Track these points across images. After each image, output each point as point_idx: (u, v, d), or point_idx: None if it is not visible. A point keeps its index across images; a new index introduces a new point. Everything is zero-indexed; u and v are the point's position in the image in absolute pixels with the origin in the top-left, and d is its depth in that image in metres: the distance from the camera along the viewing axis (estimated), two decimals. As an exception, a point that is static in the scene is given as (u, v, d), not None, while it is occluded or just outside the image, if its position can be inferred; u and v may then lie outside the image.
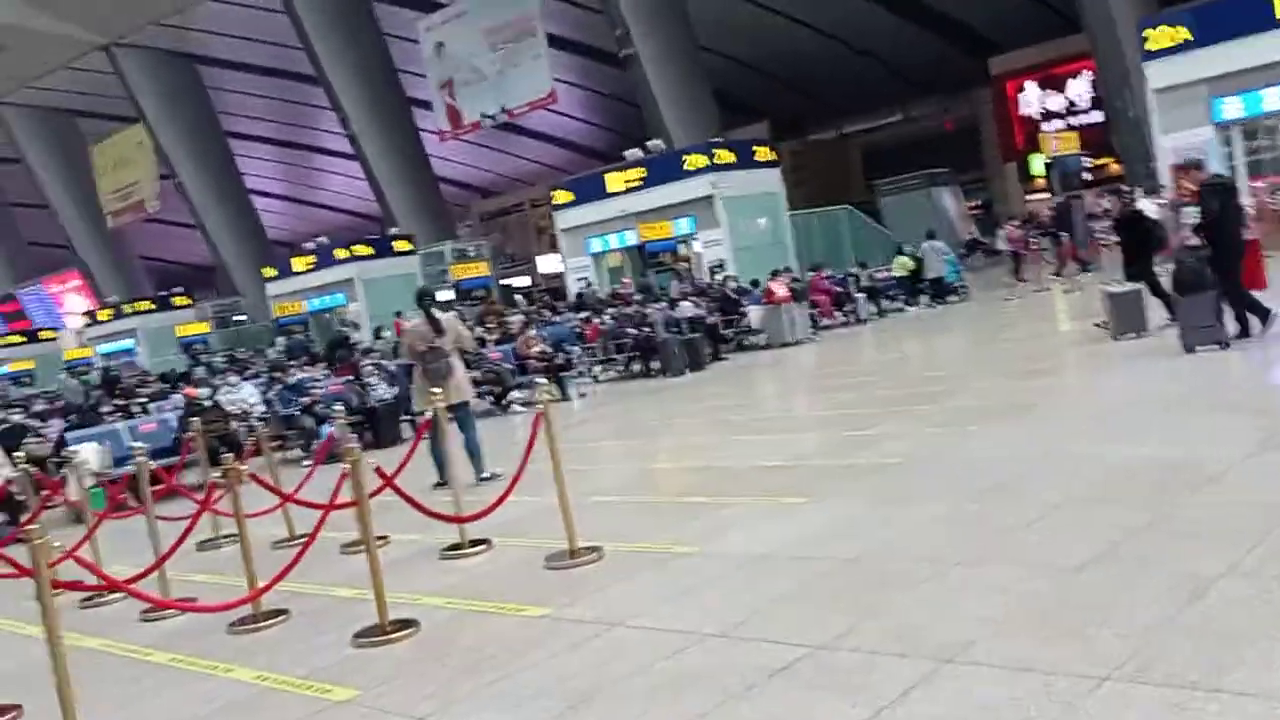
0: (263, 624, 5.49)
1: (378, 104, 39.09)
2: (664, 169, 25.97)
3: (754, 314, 17.91)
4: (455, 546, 6.42)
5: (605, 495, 7.58)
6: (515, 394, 14.17)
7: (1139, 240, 11.50)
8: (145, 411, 14.35)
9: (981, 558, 4.67)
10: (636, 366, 16.49)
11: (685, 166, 25.45)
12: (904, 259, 21.73)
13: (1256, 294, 9.83)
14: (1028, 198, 41.74)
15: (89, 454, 10.44)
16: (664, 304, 17.46)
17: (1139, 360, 9.77)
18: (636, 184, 26.29)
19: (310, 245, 36.32)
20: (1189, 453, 5.98)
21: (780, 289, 17.36)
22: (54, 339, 49.11)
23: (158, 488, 7.27)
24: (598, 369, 16.99)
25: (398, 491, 5.51)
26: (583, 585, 5.29)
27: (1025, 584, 4.20)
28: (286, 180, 55.46)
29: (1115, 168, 33.55)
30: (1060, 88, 40.13)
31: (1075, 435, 7.02)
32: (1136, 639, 3.46)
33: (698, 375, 15.30)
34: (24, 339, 50.72)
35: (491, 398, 14.13)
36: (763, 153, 26.48)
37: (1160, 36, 21.55)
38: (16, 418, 13.79)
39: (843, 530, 5.54)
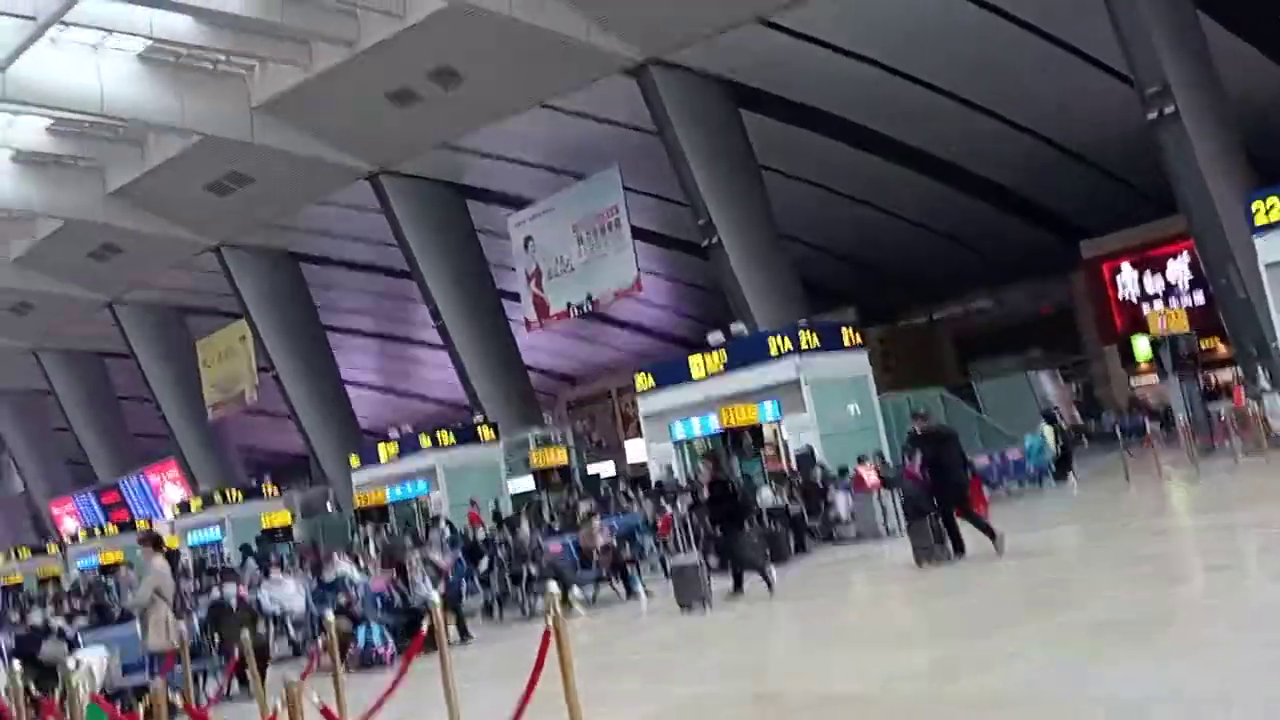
0: None
1: (468, 296, 39.53)
2: (747, 352, 25.18)
3: (842, 502, 16.53)
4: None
5: (651, 728, 6.27)
6: (575, 592, 12.92)
7: (727, 509, 11.84)
8: (186, 610, 13.43)
9: None
10: (713, 560, 15.09)
11: (769, 350, 24.63)
12: (1050, 430, 20.35)
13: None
14: (1133, 381, 39.91)
15: (92, 661, 9.44)
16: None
17: None
18: (718, 368, 25.50)
19: (395, 433, 36.18)
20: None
21: (870, 475, 15.99)
22: (148, 529, 49.41)
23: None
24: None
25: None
26: None
27: None
28: (380, 371, 56.31)
29: (1223, 349, 31.79)
30: (1159, 269, 38.88)
31: None
32: None
33: (778, 571, 13.83)
34: (118, 529, 51.27)
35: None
36: (850, 335, 25.57)
37: (1271, 209, 20.35)
38: (37, 617, 12.96)
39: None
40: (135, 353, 51.29)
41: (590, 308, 38.75)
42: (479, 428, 34.64)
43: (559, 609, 4.60)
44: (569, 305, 38.50)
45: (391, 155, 35.96)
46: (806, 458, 21.04)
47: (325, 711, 3.97)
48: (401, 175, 37.53)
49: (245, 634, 7.54)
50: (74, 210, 39.21)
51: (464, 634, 11.64)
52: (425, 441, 33.79)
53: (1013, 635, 7.19)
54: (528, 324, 40.63)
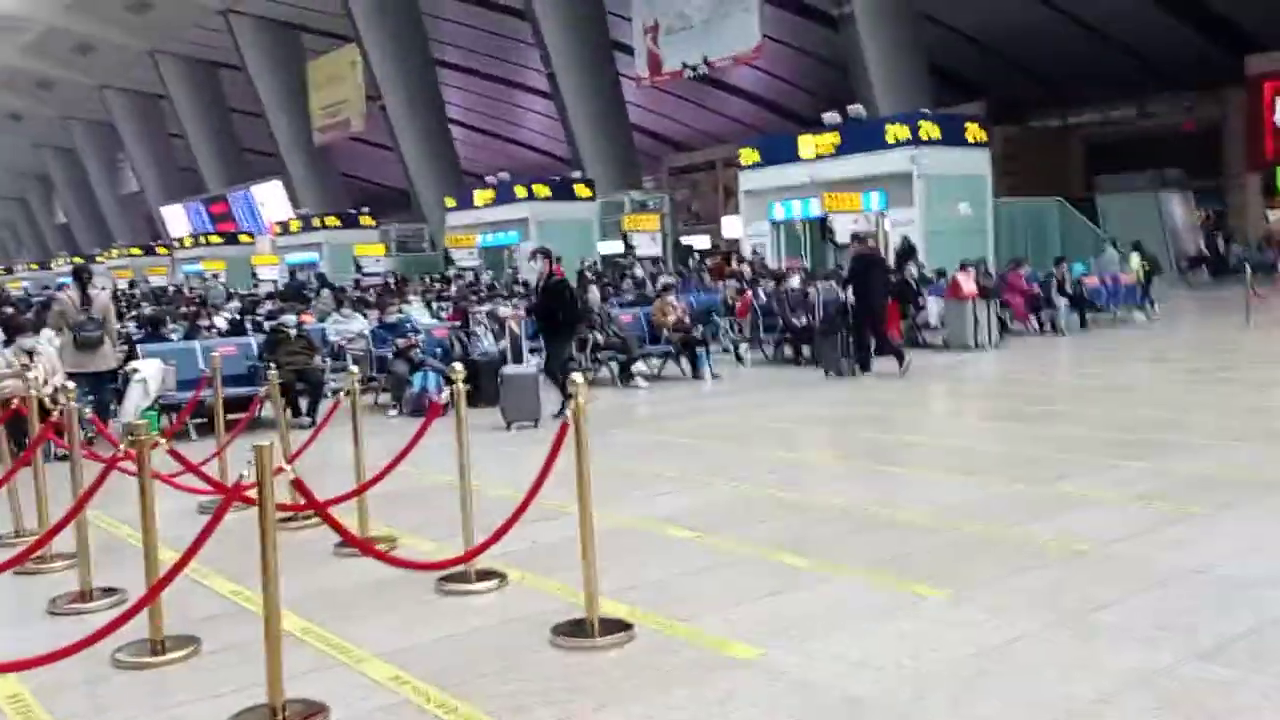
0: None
1: (580, 44, 38.08)
2: (862, 137, 23.74)
3: (933, 308, 15.68)
4: (461, 576, 4.86)
5: (678, 526, 5.85)
6: (639, 365, 12.56)
7: (555, 312, 10.33)
8: (262, 331, 13.47)
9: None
10: (788, 351, 14.55)
11: (885, 137, 23.15)
12: (1136, 257, 19.35)
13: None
14: (1269, 213, 37.11)
15: (148, 371, 9.44)
16: (831, 284, 15.37)
17: None
18: (828, 150, 24.17)
19: (492, 180, 35.80)
20: None
21: (968, 283, 15.03)
22: (250, 243, 50.86)
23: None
24: (744, 348, 15.13)
25: (311, 503, 3.95)
26: (577, 695, 3.62)
27: None
28: (486, 113, 55.32)
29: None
30: (1332, 96, 35.20)
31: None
32: None
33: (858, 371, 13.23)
34: (223, 240, 52.78)
35: (616, 366, 12.56)
36: (974, 131, 23.81)
37: None
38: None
39: (990, 669, 3.65)
40: (247, 65, 51.05)
41: (705, 70, 36.95)
42: (576, 184, 34.01)
43: (581, 402, 4.05)
44: (683, 65, 36.79)
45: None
46: (904, 253, 19.96)
47: (298, 484, 3.55)
48: (522, -97, 35.34)
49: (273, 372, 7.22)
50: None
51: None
52: (521, 192, 33.44)
53: (1087, 479, 6.56)
54: (638, 80, 39.09)
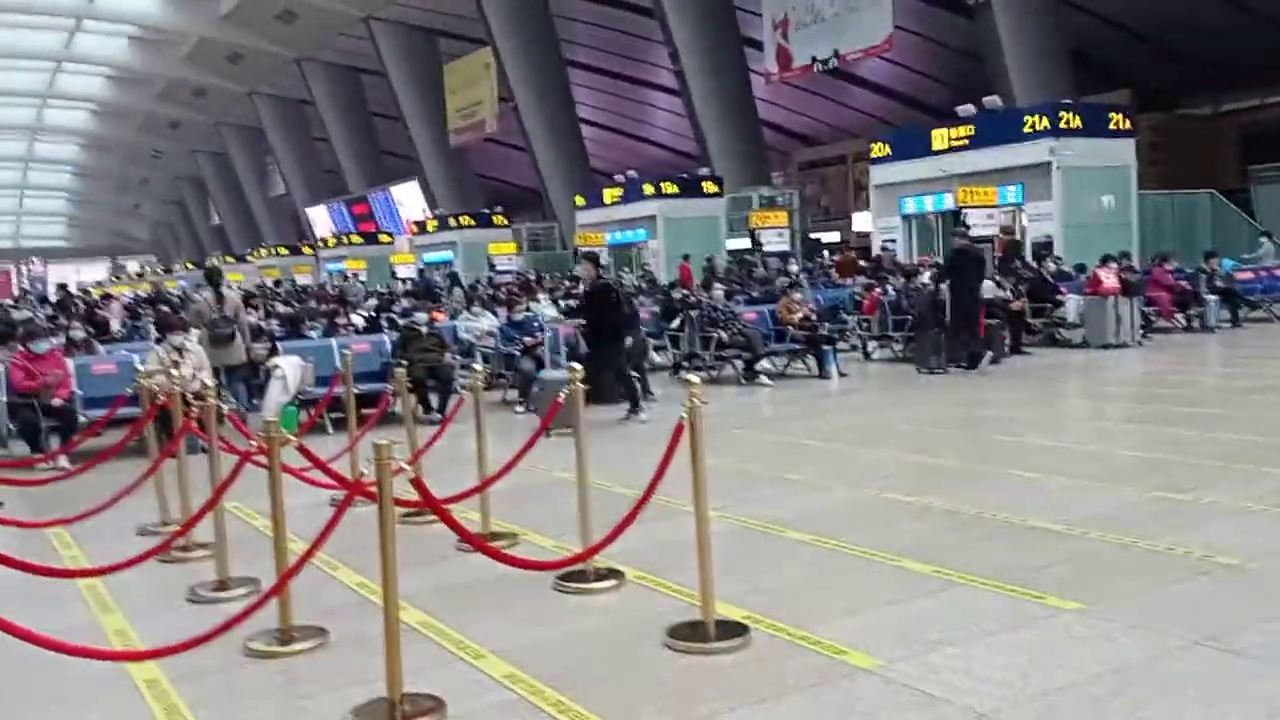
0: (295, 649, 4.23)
1: (709, 40, 38.01)
2: (997, 128, 23.01)
3: (1072, 304, 15.09)
4: (579, 574, 4.89)
5: (795, 528, 5.77)
6: (764, 364, 12.43)
7: (605, 321, 9.96)
8: (396, 329, 13.85)
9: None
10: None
11: (1023, 128, 22.39)
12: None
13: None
14: None
15: (287, 367, 9.81)
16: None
17: None
18: (962, 142, 23.51)
19: (620, 178, 36.05)
20: None
21: (1109, 278, 14.40)
22: (390, 243, 52.50)
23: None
24: (872, 345, 14.84)
25: (429, 502, 4.00)
26: (689, 699, 3.60)
27: None
28: (615, 111, 55.75)
29: None
30: None
31: None
32: None
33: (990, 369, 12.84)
34: (363, 240, 54.61)
35: (740, 364, 12.47)
36: (1117, 120, 22.81)
37: None
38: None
39: (1126, 689, 3.48)
40: (387, 70, 52.67)
41: (835, 64, 36.42)
42: (704, 181, 33.97)
43: (697, 402, 4.02)
44: (813, 59, 36.34)
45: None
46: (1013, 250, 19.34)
47: (417, 483, 3.63)
48: (651, -99, 35.44)
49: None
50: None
51: (645, 390, 11.47)
52: (649, 190, 33.53)
53: (1234, 487, 6.19)
54: (767, 76, 38.78)
